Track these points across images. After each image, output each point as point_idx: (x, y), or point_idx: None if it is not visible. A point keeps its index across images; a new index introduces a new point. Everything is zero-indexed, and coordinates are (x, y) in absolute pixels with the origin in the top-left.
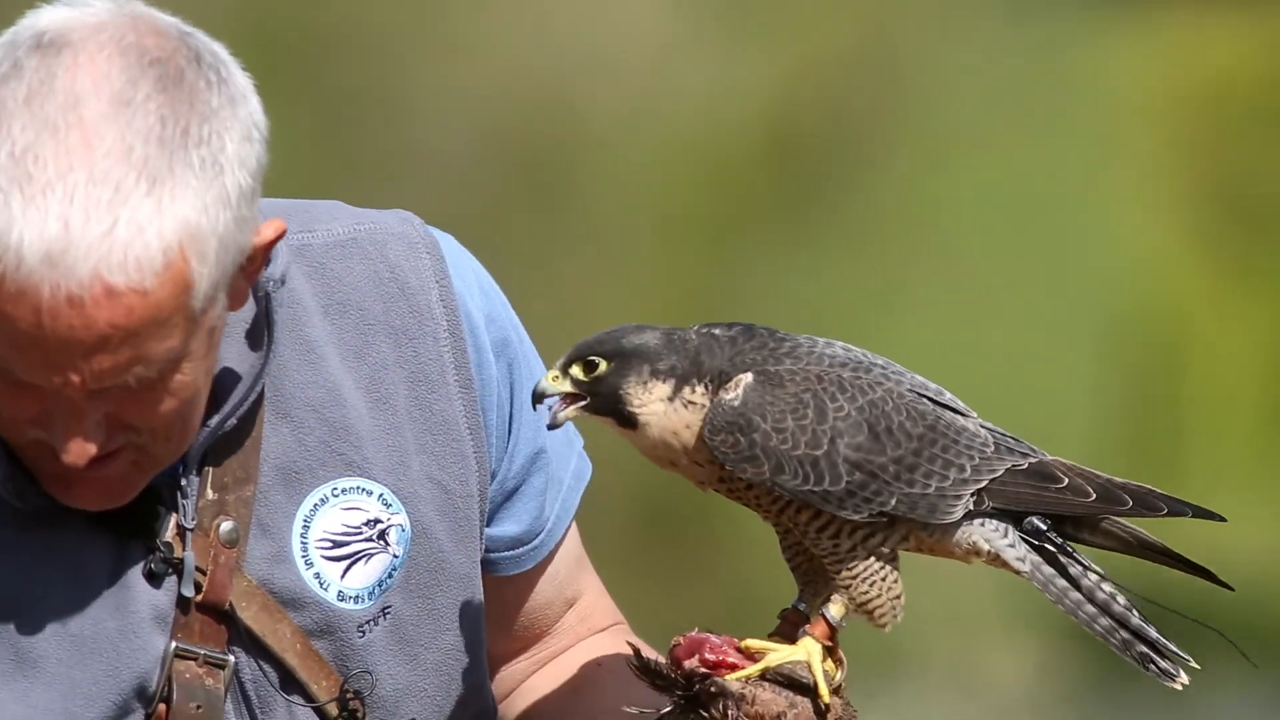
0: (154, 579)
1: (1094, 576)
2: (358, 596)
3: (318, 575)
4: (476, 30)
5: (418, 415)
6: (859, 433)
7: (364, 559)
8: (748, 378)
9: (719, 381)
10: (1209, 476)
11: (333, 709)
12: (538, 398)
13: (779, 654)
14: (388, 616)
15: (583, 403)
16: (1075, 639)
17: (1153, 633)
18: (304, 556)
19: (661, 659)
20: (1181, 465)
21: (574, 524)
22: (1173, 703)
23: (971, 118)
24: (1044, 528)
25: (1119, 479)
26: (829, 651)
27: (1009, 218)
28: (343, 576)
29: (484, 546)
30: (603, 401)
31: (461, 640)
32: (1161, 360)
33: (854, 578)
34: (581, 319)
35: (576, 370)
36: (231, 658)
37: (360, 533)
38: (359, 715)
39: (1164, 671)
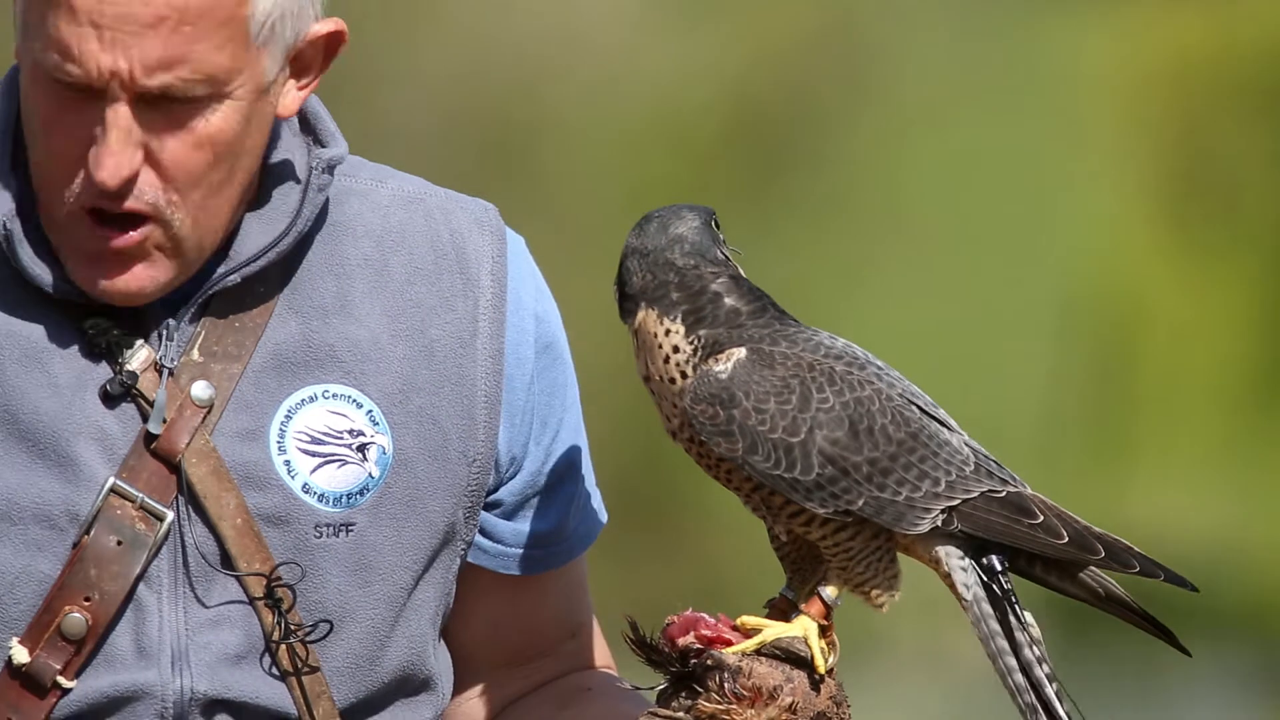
0: (109, 400)
1: (1027, 635)
2: (323, 496)
3: (288, 462)
4: (443, 8)
5: (438, 361)
6: (839, 427)
7: (338, 463)
8: (740, 353)
9: (710, 350)
10: (1165, 454)
11: (257, 588)
12: None
13: (775, 629)
14: (350, 533)
15: None
16: (1041, 622)
17: (1060, 710)
18: (279, 442)
19: (657, 636)
20: (1137, 442)
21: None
22: (1139, 684)
23: (934, 98)
24: (999, 568)
25: (1097, 529)
26: (823, 632)
27: (971, 197)
28: (312, 471)
29: (480, 528)
30: None
31: (420, 587)
32: (1121, 338)
33: (850, 559)
34: None
35: None
36: (170, 514)
37: (341, 438)
38: (284, 607)
39: None
